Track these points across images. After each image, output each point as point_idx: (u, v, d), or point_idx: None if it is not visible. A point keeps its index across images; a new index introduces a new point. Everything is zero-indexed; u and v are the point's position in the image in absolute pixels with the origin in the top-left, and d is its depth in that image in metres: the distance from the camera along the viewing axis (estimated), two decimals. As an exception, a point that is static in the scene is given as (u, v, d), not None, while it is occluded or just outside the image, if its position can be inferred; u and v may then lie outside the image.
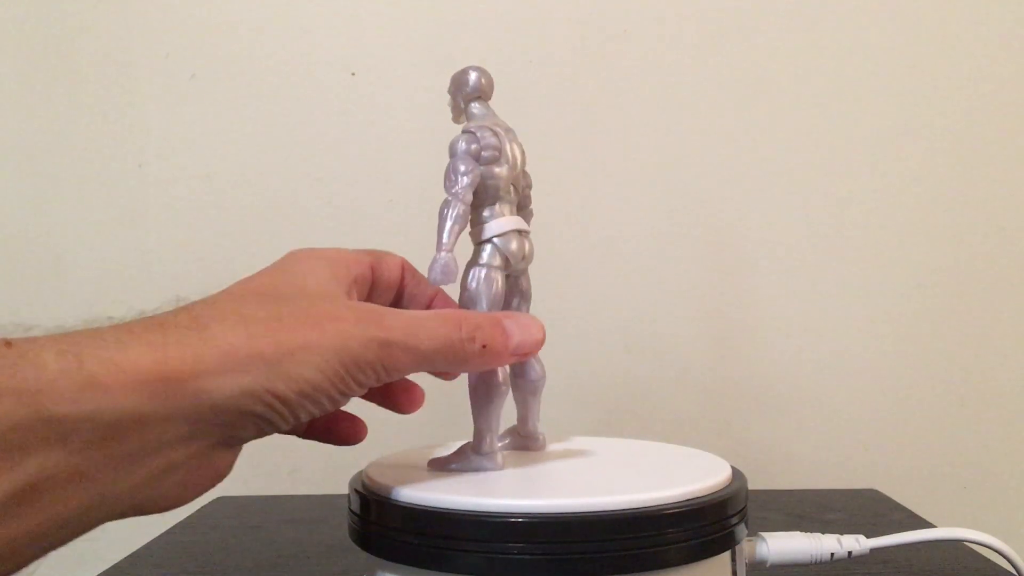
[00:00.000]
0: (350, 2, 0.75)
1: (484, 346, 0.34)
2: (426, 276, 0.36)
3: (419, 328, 0.32)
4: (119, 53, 0.75)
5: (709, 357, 0.75)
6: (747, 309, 0.75)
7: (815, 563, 0.40)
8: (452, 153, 0.37)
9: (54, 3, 0.75)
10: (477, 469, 0.37)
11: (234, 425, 0.29)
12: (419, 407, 0.40)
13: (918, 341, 0.75)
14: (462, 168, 0.36)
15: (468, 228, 0.37)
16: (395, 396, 0.39)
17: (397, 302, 0.39)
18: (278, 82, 0.75)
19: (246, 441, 0.31)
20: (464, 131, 0.37)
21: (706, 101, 0.75)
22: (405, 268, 0.39)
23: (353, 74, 0.75)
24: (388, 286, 0.38)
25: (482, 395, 0.37)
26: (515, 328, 0.35)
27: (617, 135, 0.75)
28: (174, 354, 0.28)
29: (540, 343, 0.35)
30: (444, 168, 0.36)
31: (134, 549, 0.57)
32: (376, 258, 0.37)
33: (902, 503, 0.66)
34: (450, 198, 0.36)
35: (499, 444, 0.38)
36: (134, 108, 0.75)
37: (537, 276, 0.39)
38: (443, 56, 0.74)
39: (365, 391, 0.32)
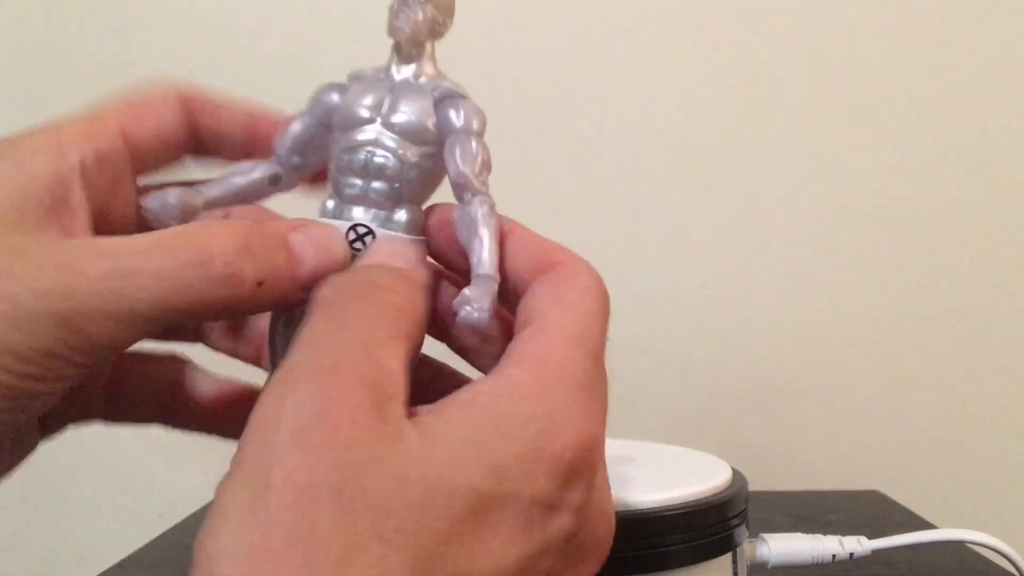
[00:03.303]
0: (350, 2, 0.75)
1: (260, 283, 0.22)
2: (458, 316, 0.23)
3: (132, 270, 0.21)
4: (118, 53, 0.75)
5: (709, 357, 0.75)
6: (747, 309, 0.75)
7: (816, 564, 0.39)
8: (480, 131, 0.26)
9: (54, 3, 0.75)
10: None
11: None
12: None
13: (920, 341, 0.75)
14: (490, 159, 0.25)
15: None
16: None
17: (200, 150, 0.27)
18: (278, 82, 0.75)
19: None
20: (466, 96, 0.28)
21: (705, 102, 0.74)
22: (190, 101, 0.28)
23: (353, 74, 0.75)
24: (157, 147, 0.26)
25: None
26: (307, 245, 0.23)
27: (617, 135, 0.74)
28: None
29: (342, 262, 0.24)
30: (461, 145, 0.26)
31: (133, 550, 0.56)
32: (122, 118, 0.25)
33: (904, 504, 0.66)
34: (491, 201, 0.25)
35: None
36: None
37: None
38: (442, 56, 0.74)
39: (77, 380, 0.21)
